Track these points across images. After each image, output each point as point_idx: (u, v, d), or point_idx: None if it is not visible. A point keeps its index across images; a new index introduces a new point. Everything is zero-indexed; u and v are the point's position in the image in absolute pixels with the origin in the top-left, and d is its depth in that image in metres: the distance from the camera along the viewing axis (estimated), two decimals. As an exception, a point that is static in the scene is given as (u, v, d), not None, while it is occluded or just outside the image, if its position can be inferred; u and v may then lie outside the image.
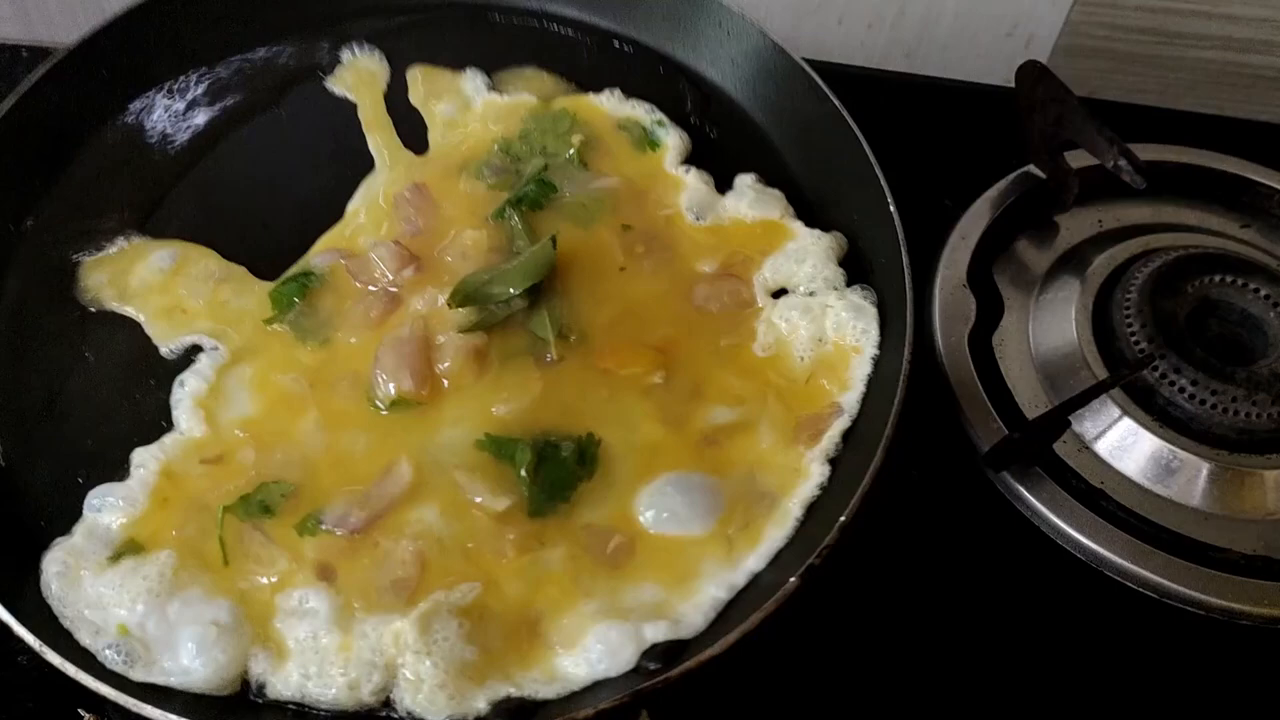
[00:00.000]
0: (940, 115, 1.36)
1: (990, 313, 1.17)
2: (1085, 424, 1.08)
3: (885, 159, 1.05)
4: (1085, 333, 1.12)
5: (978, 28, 1.48)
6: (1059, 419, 1.05)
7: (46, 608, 0.85)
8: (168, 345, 0.98)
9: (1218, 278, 1.13)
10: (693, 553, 0.87)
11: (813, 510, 0.89)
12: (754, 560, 0.87)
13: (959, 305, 1.07)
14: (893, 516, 1.02)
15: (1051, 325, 1.15)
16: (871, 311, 0.98)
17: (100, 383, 0.98)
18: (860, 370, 0.96)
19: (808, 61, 1.14)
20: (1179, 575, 1.00)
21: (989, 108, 1.32)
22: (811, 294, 1.00)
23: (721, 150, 1.13)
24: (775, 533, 0.88)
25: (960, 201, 1.24)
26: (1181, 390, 1.06)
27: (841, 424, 0.93)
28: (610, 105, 1.15)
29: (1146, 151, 1.22)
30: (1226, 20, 1.41)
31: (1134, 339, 1.10)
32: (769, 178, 1.10)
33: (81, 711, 0.93)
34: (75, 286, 1.02)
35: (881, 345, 0.97)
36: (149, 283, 1.01)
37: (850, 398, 0.95)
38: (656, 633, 0.82)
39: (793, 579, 0.81)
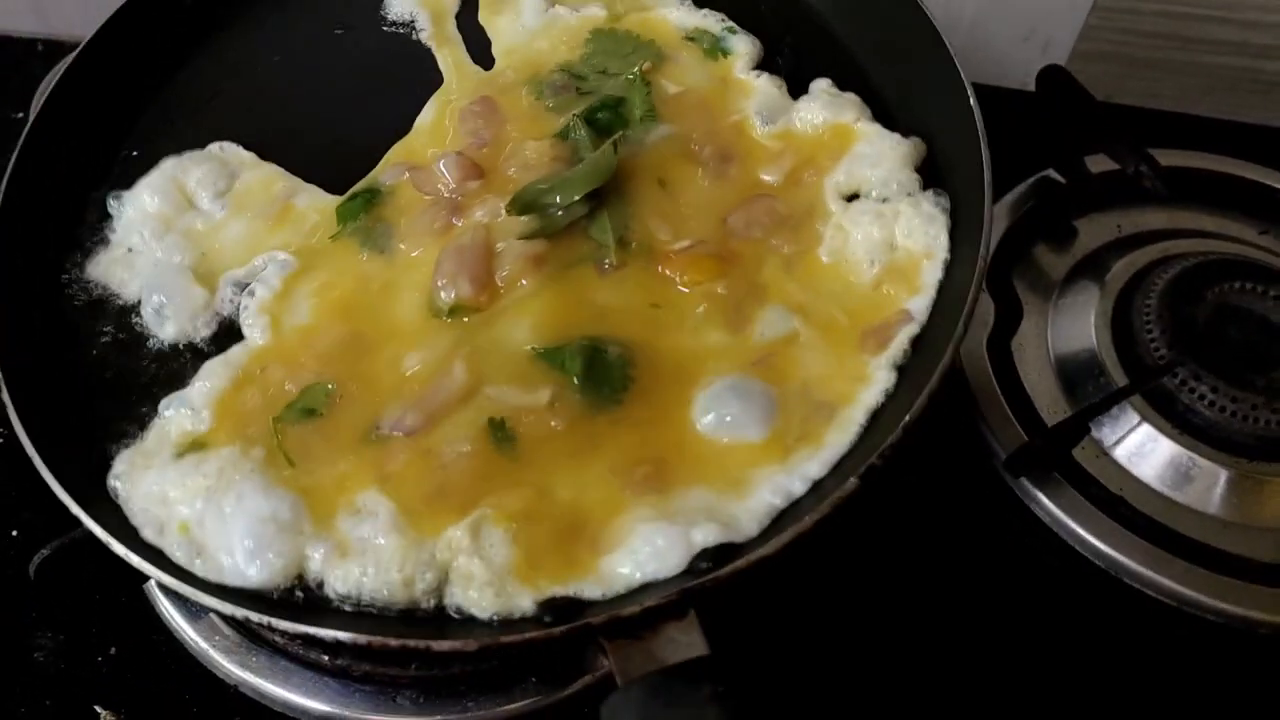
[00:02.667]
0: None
1: (1009, 317, 1.17)
2: (1104, 430, 1.08)
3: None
4: (1104, 338, 1.12)
5: (995, 31, 1.48)
6: (1079, 425, 1.04)
7: (116, 508, 0.87)
8: (243, 270, 1.00)
9: (1237, 284, 1.13)
10: (748, 458, 0.85)
11: (877, 417, 0.86)
12: (815, 467, 0.84)
13: (978, 309, 1.06)
14: (911, 520, 1.02)
15: (1070, 330, 1.15)
16: (942, 219, 0.95)
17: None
18: (931, 276, 0.92)
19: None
20: (1197, 583, 0.99)
21: (1006, 111, 1.32)
22: (885, 200, 0.97)
23: (795, 55, 1.10)
24: (837, 439, 0.85)
25: (978, 206, 1.23)
26: (1201, 397, 1.06)
27: (910, 330, 0.90)
28: (678, 17, 1.14)
29: (1165, 157, 1.22)
30: (1244, 26, 1.40)
31: (1154, 345, 1.09)
32: (844, 82, 1.07)
33: (98, 709, 0.93)
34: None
35: (953, 249, 0.93)
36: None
37: (920, 303, 0.91)
38: (707, 536, 0.80)
39: (852, 479, 0.79)
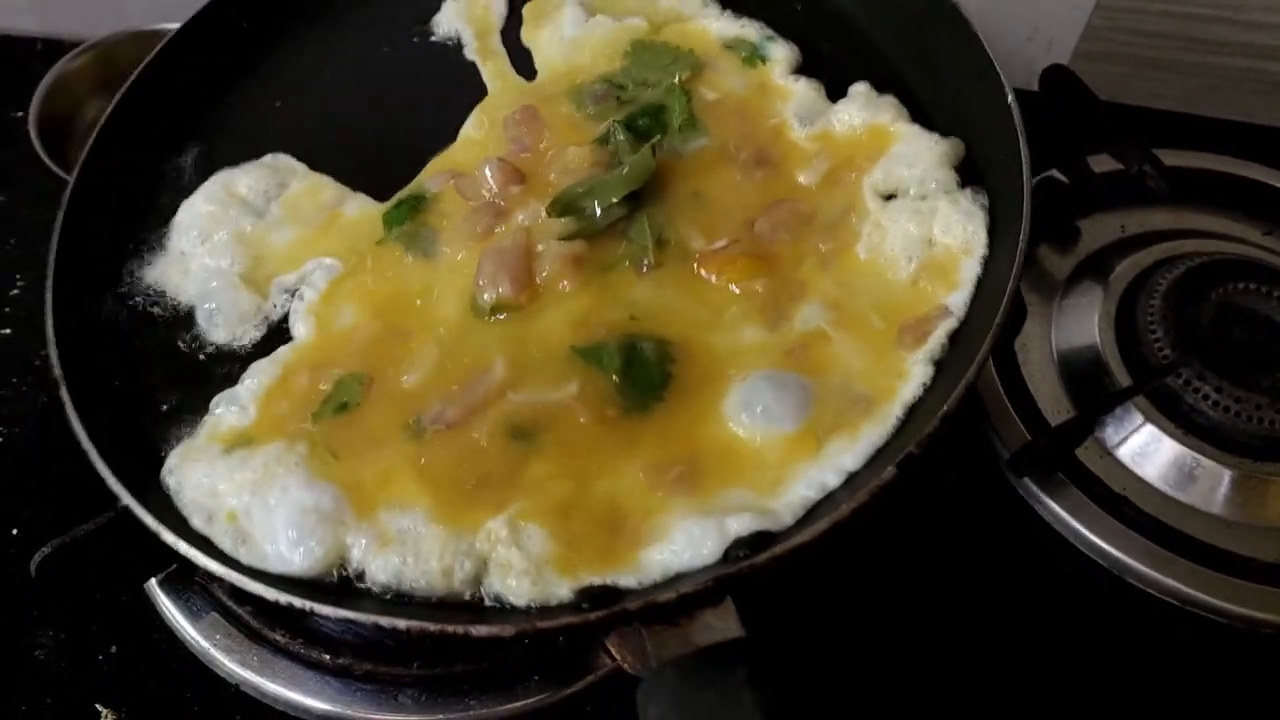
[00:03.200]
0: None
1: (1013, 317, 1.16)
2: (1108, 430, 1.08)
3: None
4: (1108, 338, 1.12)
5: (998, 31, 1.48)
6: (1082, 426, 1.05)
7: (168, 499, 0.89)
8: (293, 272, 1.03)
9: (1241, 285, 1.13)
10: (783, 450, 0.86)
11: (914, 411, 0.87)
12: (850, 459, 0.85)
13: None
14: (914, 520, 1.02)
15: (1074, 330, 1.15)
16: (981, 215, 0.96)
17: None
18: (969, 272, 0.93)
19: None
20: (1201, 583, 1.01)
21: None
22: (923, 198, 0.98)
23: (833, 60, 1.12)
24: (873, 432, 0.86)
25: (982, 205, 1.23)
26: (1205, 397, 1.06)
27: (948, 326, 0.90)
28: (718, 27, 1.15)
29: (1169, 157, 1.23)
30: (1248, 26, 1.41)
31: (1158, 345, 1.09)
32: (882, 85, 1.08)
33: (99, 707, 0.93)
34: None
35: (991, 245, 0.94)
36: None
37: (958, 299, 0.92)
38: (741, 525, 0.81)
39: (891, 468, 0.79)
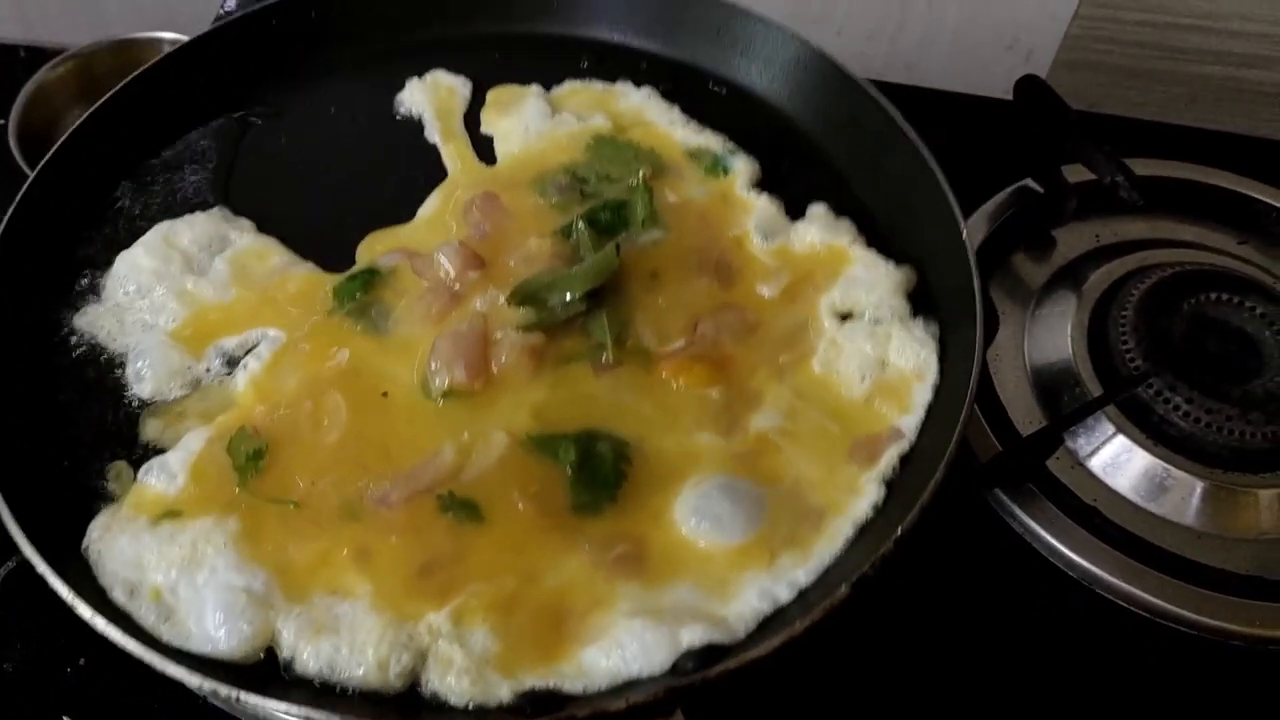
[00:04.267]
0: (939, 127, 1.35)
1: (986, 327, 1.16)
2: (1079, 440, 1.08)
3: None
4: (1080, 349, 1.12)
5: (978, 40, 1.49)
6: (1053, 436, 1.05)
7: (87, 567, 0.87)
8: (234, 336, 1.00)
9: (1214, 295, 1.13)
10: (734, 557, 0.87)
11: (865, 530, 0.88)
12: (802, 575, 0.85)
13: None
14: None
15: (1047, 341, 1.15)
16: (933, 344, 0.97)
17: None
18: (921, 397, 0.95)
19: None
20: (1172, 594, 1.01)
21: (988, 120, 1.32)
22: (877, 322, 0.99)
23: (793, 178, 1.12)
24: (824, 549, 0.87)
25: (957, 215, 1.24)
26: (1176, 408, 1.06)
27: (900, 447, 0.92)
28: (682, 135, 1.15)
29: (1144, 166, 1.23)
30: (1227, 35, 1.41)
31: (1129, 356, 1.10)
32: (840, 206, 1.08)
33: (66, 718, 0.93)
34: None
35: (943, 373, 0.96)
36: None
37: (909, 422, 0.93)
38: (694, 636, 0.80)
39: (844, 587, 0.80)
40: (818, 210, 1.07)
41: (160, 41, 1.44)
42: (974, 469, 1.06)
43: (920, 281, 1.02)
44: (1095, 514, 1.05)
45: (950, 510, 1.00)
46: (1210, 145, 1.36)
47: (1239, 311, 1.13)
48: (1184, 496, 1.05)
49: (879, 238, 1.06)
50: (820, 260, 1.04)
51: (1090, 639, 1.01)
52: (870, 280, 1.01)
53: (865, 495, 0.89)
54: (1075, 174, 1.23)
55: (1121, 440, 1.07)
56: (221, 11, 1.42)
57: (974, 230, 1.22)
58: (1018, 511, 1.05)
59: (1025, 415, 1.12)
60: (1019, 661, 1.00)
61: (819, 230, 1.05)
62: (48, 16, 1.58)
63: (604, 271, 0.98)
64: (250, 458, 0.91)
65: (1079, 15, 1.41)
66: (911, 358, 0.96)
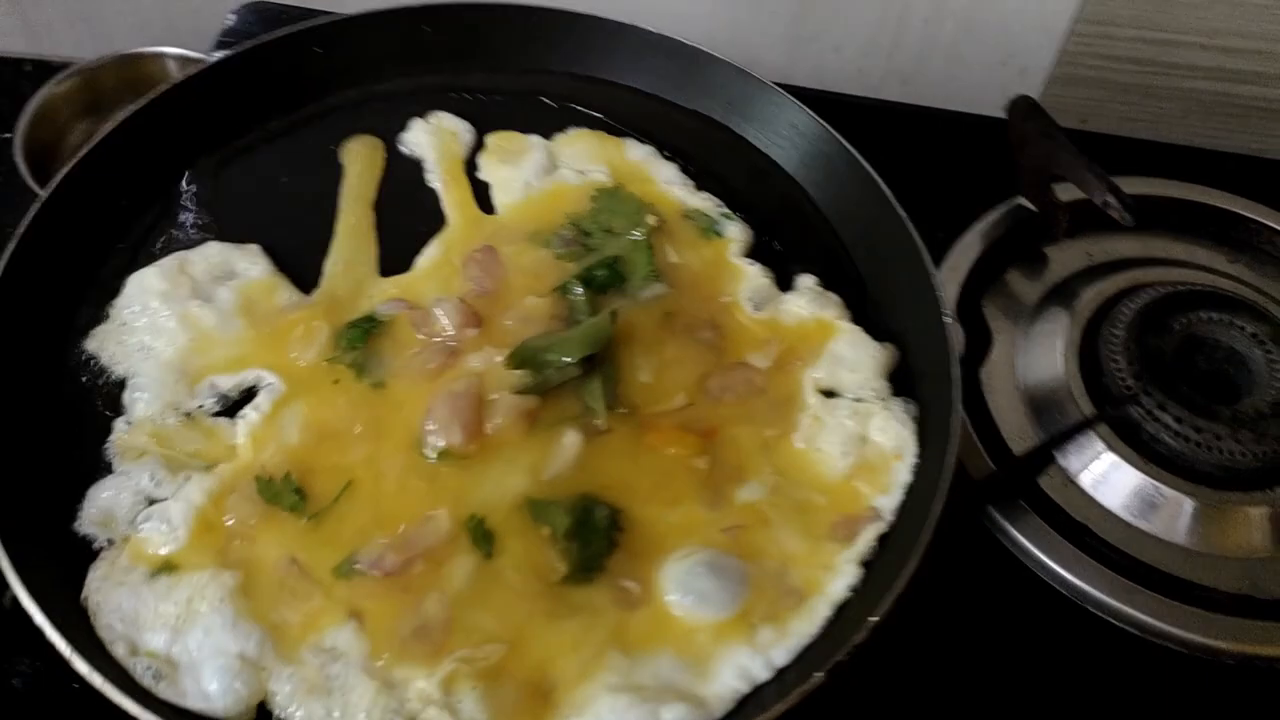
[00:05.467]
0: (934, 144, 1.37)
1: (979, 345, 1.18)
2: (1070, 458, 1.10)
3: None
4: (1072, 367, 1.14)
5: (973, 57, 1.50)
6: (1044, 455, 1.06)
7: (86, 618, 0.88)
8: (231, 375, 1.00)
9: (1204, 314, 1.14)
10: (715, 631, 0.87)
11: (842, 611, 0.88)
12: (780, 654, 0.87)
13: (952, 331, 1.06)
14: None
15: (1039, 359, 1.16)
16: (912, 425, 0.97)
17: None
18: (900, 477, 0.95)
19: (802, 90, 1.15)
20: (1162, 612, 1.02)
21: (982, 137, 1.33)
22: (859, 400, 0.99)
23: (785, 248, 1.11)
24: (802, 629, 0.88)
25: (952, 233, 1.25)
26: (1166, 427, 1.08)
27: (877, 528, 0.92)
28: (680, 194, 1.13)
29: (1137, 185, 1.24)
30: (1220, 51, 1.42)
31: (1120, 375, 1.11)
32: (831, 278, 1.08)
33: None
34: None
35: (922, 454, 0.96)
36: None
37: (888, 503, 0.94)
38: (674, 716, 0.82)
39: (818, 674, 0.82)
40: (807, 282, 1.07)
41: (164, 56, 1.45)
42: (967, 486, 1.07)
43: (903, 360, 1.03)
44: (1086, 531, 1.06)
45: (943, 526, 1.01)
46: (1203, 164, 1.37)
47: (1229, 330, 1.14)
48: (1174, 514, 1.07)
49: (867, 312, 1.06)
50: (807, 333, 1.04)
51: (1080, 656, 1.02)
52: (855, 360, 1.01)
53: (843, 575, 0.90)
54: (1068, 192, 1.24)
55: (1112, 458, 1.08)
56: (225, 27, 1.44)
57: (967, 249, 1.24)
58: (1008, 528, 1.06)
59: (1017, 432, 1.13)
60: (1009, 678, 1.01)
61: (808, 303, 1.04)
62: (53, 30, 1.59)
63: (600, 339, 0.99)
64: (296, 496, 0.91)
65: (1074, 32, 1.42)
66: (892, 437, 0.97)
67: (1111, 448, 1.08)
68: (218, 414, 0.98)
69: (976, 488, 1.07)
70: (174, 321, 1.01)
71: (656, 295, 1.05)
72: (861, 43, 1.48)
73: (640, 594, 0.88)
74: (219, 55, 1.19)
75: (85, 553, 0.91)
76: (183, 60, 1.44)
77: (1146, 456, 1.08)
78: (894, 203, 1.06)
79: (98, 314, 1.04)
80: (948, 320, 0.98)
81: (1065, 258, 1.26)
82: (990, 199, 1.29)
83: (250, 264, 1.06)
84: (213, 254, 1.06)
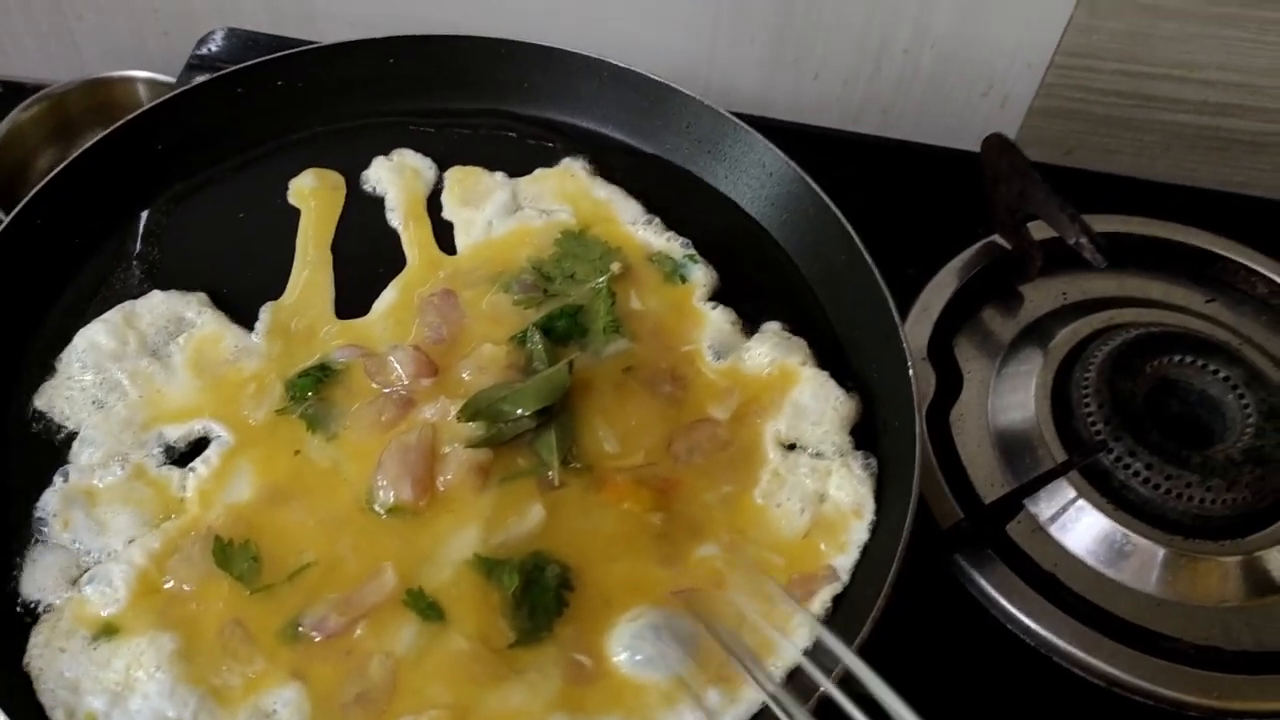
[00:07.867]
0: (909, 179, 1.35)
1: (949, 386, 1.17)
2: (1040, 505, 1.09)
3: (852, 225, 1.05)
4: (1044, 411, 1.12)
5: (953, 87, 1.48)
6: (1012, 504, 1.05)
7: (28, 683, 0.86)
8: (179, 430, 0.98)
9: (1177, 357, 1.13)
10: (664, 693, 0.86)
11: (793, 676, 0.87)
12: (729, 718, 0.86)
13: (918, 380, 1.05)
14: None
15: (1011, 401, 1.15)
16: (871, 483, 0.96)
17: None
18: (857, 535, 0.94)
19: (778, 123, 1.14)
20: (1128, 664, 1.01)
21: (958, 172, 1.32)
22: (818, 455, 0.98)
23: (750, 292, 1.10)
24: (752, 694, 0.86)
25: (926, 269, 1.24)
26: (1136, 474, 1.06)
27: (833, 589, 0.91)
28: (645, 236, 1.13)
29: (1113, 223, 1.23)
30: (1202, 84, 1.41)
31: (1091, 420, 1.09)
32: (796, 323, 1.07)
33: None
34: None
35: (880, 512, 0.95)
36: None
37: (844, 562, 0.93)
38: None
39: None
40: (773, 326, 1.06)
41: (134, 81, 1.44)
42: (935, 535, 1.06)
43: (868, 409, 1.01)
44: (1054, 580, 1.05)
45: (907, 572, 1.00)
46: (1182, 199, 1.36)
47: (1202, 374, 1.12)
48: (1144, 563, 1.05)
49: (832, 359, 1.05)
50: (769, 383, 1.02)
51: (1046, 708, 1.01)
52: (817, 411, 1.00)
53: (796, 638, 0.88)
54: (1042, 231, 1.22)
55: (1082, 505, 1.07)
56: (196, 52, 1.42)
57: (940, 287, 1.22)
58: (976, 576, 1.05)
59: (987, 478, 1.12)
60: (974, 729, 1.00)
61: (771, 349, 1.04)
62: (24, 52, 1.58)
63: (555, 391, 0.97)
64: (250, 564, 0.90)
65: (1055, 64, 1.41)
66: (850, 494, 0.95)
67: (1082, 494, 1.07)
68: (166, 464, 0.97)
69: (944, 537, 1.05)
70: (123, 376, 1.00)
71: (618, 352, 1.03)
72: (841, 71, 1.47)
73: (592, 668, 0.87)
74: (175, 91, 1.18)
75: (27, 616, 0.89)
76: (152, 84, 1.43)
77: (1116, 504, 1.07)
78: (862, 249, 1.04)
79: (45, 366, 1.02)
80: (912, 373, 0.97)
81: (1040, 297, 1.25)
82: (966, 235, 1.28)
83: (196, 314, 1.04)
84: (158, 304, 1.04)
